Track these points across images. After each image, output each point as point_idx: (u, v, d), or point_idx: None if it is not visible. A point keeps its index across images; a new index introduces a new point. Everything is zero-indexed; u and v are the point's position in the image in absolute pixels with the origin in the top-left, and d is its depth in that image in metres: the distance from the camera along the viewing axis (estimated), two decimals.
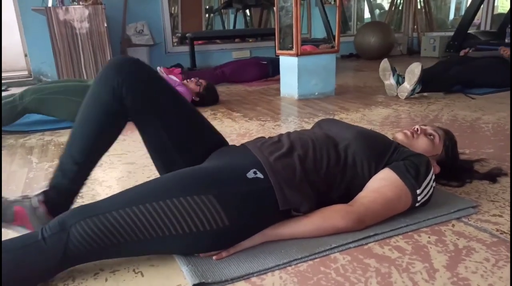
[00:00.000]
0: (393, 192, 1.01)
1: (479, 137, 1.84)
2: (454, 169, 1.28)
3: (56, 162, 1.72)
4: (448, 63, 3.23)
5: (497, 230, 1.02)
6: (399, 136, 1.23)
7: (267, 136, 1.16)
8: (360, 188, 1.05)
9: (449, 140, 1.26)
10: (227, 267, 0.88)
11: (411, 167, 1.03)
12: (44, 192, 1.00)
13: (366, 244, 0.97)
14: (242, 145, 1.11)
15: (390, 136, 1.23)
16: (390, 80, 2.96)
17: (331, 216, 0.98)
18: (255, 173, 0.94)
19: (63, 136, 2.17)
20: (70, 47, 3.42)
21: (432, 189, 1.06)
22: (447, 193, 1.23)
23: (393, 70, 2.98)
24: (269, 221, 0.96)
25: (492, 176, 1.33)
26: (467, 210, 1.12)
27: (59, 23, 3.37)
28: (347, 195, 1.04)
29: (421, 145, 1.20)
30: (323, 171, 1.02)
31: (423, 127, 1.27)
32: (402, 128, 1.28)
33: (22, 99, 2.23)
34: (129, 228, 0.82)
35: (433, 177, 1.06)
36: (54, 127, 2.34)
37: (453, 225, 1.05)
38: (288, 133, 1.13)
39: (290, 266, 0.90)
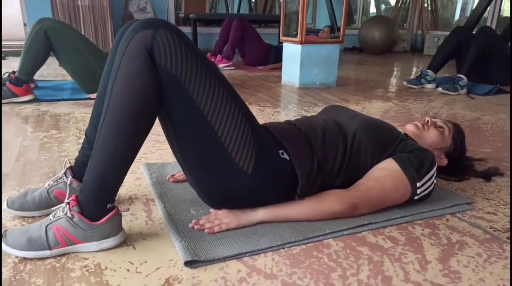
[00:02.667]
0: (392, 182, 1.01)
1: (477, 137, 1.84)
2: (460, 163, 1.28)
3: (51, 132, 1.71)
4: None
5: (491, 227, 1.02)
6: (410, 128, 1.23)
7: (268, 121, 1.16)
8: (360, 176, 1.05)
9: (458, 133, 1.26)
10: (220, 246, 0.87)
11: (415, 159, 1.03)
12: (70, 168, 1.03)
13: (360, 232, 0.97)
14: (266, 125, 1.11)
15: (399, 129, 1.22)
16: (428, 86, 3.04)
17: (327, 199, 0.98)
18: (282, 153, 0.96)
19: (60, 108, 2.15)
20: (71, 19, 3.36)
21: (433, 185, 1.06)
22: (443, 188, 1.23)
23: (418, 77, 3.05)
24: (277, 198, 0.98)
25: (488, 175, 1.33)
26: (462, 206, 1.12)
27: None
28: (347, 183, 1.04)
29: (431, 136, 1.21)
30: (331, 160, 1.02)
31: (433, 119, 1.27)
32: (413, 121, 1.28)
33: (41, 23, 2.16)
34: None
35: (435, 173, 1.06)
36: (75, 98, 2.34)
37: (447, 220, 1.05)
38: (300, 120, 1.12)
39: (283, 248, 0.89)
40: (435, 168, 1.06)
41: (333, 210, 0.98)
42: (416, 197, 1.04)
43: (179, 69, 0.81)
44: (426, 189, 1.04)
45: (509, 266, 0.86)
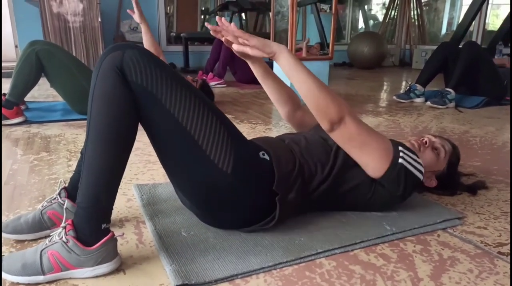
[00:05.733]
0: (379, 140, 1.04)
1: (466, 150, 1.86)
2: (448, 184, 1.28)
3: (41, 155, 1.70)
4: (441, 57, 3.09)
5: (482, 242, 1.02)
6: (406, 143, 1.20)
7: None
8: (344, 185, 1.06)
9: (455, 157, 1.25)
10: (211, 268, 0.87)
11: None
12: (64, 188, 1.05)
13: (352, 250, 0.97)
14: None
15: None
16: (417, 100, 3.10)
17: (335, 96, 1.00)
18: (263, 154, 1.00)
19: (50, 129, 2.14)
20: (62, 41, 3.38)
21: (416, 171, 1.05)
22: (433, 203, 1.24)
23: (407, 92, 3.11)
24: (260, 198, 0.98)
25: (474, 189, 1.34)
26: (452, 221, 1.12)
27: (52, 16, 3.33)
28: (330, 192, 1.06)
29: (425, 158, 1.17)
30: (313, 164, 1.05)
31: (432, 139, 1.23)
32: (410, 138, 1.23)
33: (32, 46, 2.17)
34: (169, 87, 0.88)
35: (416, 182, 1.07)
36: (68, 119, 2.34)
37: (438, 235, 1.06)
38: (285, 135, 1.18)
39: (275, 269, 0.89)
40: (416, 181, 1.06)
41: (329, 105, 0.98)
42: (400, 159, 1.02)
43: (150, 82, 0.87)
44: (409, 163, 1.03)
45: (500, 282, 0.86)
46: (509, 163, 1.69)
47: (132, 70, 0.86)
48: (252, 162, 0.97)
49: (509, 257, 0.96)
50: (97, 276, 0.85)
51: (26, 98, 2.48)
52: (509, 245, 1.01)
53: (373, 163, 1.03)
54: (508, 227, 1.11)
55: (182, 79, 0.91)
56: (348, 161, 1.06)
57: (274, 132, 2.14)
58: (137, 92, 0.86)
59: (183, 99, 0.89)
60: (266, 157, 0.99)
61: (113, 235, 0.87)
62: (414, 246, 1.00)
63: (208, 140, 0.91)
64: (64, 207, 0.92)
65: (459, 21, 4.91)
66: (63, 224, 0.85)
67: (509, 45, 4.39)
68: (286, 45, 2.93)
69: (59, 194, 1.02)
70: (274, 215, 0.98)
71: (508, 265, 0.92)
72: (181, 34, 4.78)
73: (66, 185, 1.05)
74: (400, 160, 1.03)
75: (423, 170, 1.07)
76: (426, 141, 1.21)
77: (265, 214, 0.99)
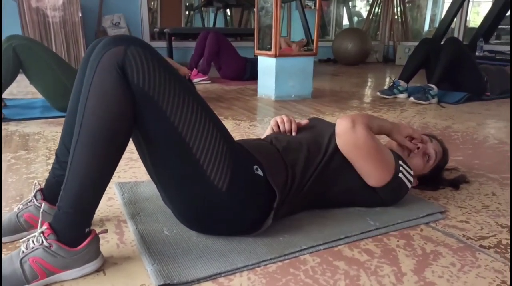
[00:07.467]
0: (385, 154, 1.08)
1: (448, 145, 1.87)
2: (431, 181, 1.29)
3: (19, 153, 1.65)
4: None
5: (464, 236, 1.03)
6: (395, 147, 1.19)
7: (244, 137, 1.16)
8: (337, 178, 1.07)
9: (444, 162, 1.27)
10: (194, 267, 0.85)
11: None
12: (40, 190, 1.00)
13: (336, 246, 0.97)
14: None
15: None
16: (401, 96, 3.12)
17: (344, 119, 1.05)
18: (256, 169, 0.95)
19: (29, 127, 2.08)
20: (41, 36, 3.30)
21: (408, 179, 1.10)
22: (416, 197, 1.25)
23: (391, 88, 3.12)
24: (252, 215, 0.95)
25: (457, 184, 1.35)
26: (435, 215, 1.13)
27: (31, 10, 3.24)
28: (321, 183, 1.05)
29: (413, 164, 1.16)
30: (301, 160, 1.04)
31: (427, 144, 1.20)
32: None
33: (9, 41, 2.09)
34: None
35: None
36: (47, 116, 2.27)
37: (421, 230, 1.06)
38: (275, 137, 1.14)
39: (259, 267, 0.88)
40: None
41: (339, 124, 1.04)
42: (400, 174, 1.07)
43: (152, 87, 0.80)
44: (405, 176, 1.09)
45: (482, 275, 0.87)
46: (490, 157, 1.72)
47: (134, 70, 0.78)
48: (247, 180, 0.92)
49: (491, 250, 0.97)
50: (76, 278, 0.82)
51: (4, 95, 2.40)
52: (490, 238, 1.03)
53: (375, 174, 1.06)
54: (489, 220, 1.12)
55: (184, 83, 0.85)
56: (339, 156, 1.06)
57: (259, 129, 2.12)
58: (137, 95, 0.79)
59: (185, 108, 0.83)
60: (260, 172, 0.95)
61: (96, 233, 0.85)
62: (398, 241, 1.00)
63: (206, 156, 0.86)
64: (41, 210, 0.89)
65: (441, 18, 4.98)
66: (40, 229, 0.81)
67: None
68: (270, 41, 2.92)
69: (35, 196, 0.99)
70: (266, 222, 0.96)
71: (490, 258, 0.93)
72: (165, 30, 4.72)
73: (42, 187, 1.01)
74: (400, 174, 1.07)
75: (412, 179, 1.12)
76: (419, 147, 1.18)
77: (257, 224, 0.97)
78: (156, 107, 0.81)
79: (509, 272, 0.88)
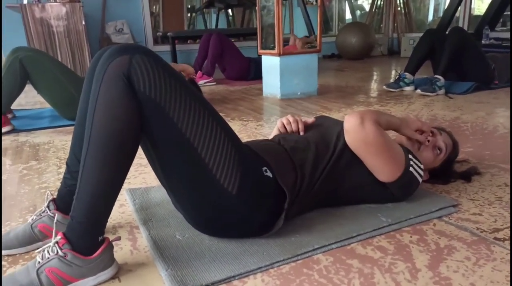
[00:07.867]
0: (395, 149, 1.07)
1: (458, 136, 1.85)
2: (442, 175, 1.28)
3: (30, 163, 1.67)
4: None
5: (477, 229, 1.02)
6: (405, 141, 1.18)
7: (251, 137, 1.16)
8: (346, 175, 1.07)
9: (454, 155, 1.26)
10: (207, 271, 0.86)
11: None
12: (53, 200, 1.01)
13: (349, 244, 0.97)
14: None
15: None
16: (407, 89, 3.10)
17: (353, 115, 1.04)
18: (265, 171, 0.95)
19: (39, 137, 2.11)
20: (46, 45, 3.33)
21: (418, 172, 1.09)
22: (428, 192, 1.24)
23: (397, 81, 3.09)
24: (262, 217, 0.95)
25: (468, 176, 1.34)
26: (448, 209, 1.12)
27: (35, 21, 3.28)
28: (331, 180, 1.05)
29: (423, 158, 1.16)
30: (320, 170, 1.03)
31: (437, 137, 1.20)
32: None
33: (15, 53, 2.12)
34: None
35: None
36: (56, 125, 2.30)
37: (434, 224, 1.05)
38: (282, 137, 1.14)
39: (272, 268, 0.88)
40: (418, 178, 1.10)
41: (348, 121, 1.04)
42: (410, 168, 1.06)
43: (158, 94, 0.80)
44: (415, 170, 1.08)
45: (498, 268, 0.86)
46: (501, 147, 1.70)
47: (140, 79, 0.79)
48: (257, 182, 0.92)
49: (506, 242, 0.96)
50: None
51: (13, 106, 2.44)
52: (504, 230, 1.01)
53: (386, 169, 1.05)
54: (503, 212, 1.11)
55: (190, 88, 0.85)
56: (348, 153, 1.06)
57: (266, 129, 2.12)
58: (143, 103, 0.80)
59: (192, 113, 0.83)
60: (269, 174, 0.95)
61: (109, 241, 0.86)
62: (411, 237, 1.00)
63: (215, 160, 0.86)
64: (55, 220, 0.90)
65: (445, 7, 4.92)
66: (54, 239, 0.82)
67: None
68: (273, 40, 2.91)
69: (48, 206, 1.00)
70: (277, 223, 0.96)
71: (505, 251, 0.92)
72: (168, 34, 4.74)
73: (54, 197, 1.03)
74: (410, 168, 1.06)
75: (423, 173, 1.10)
76: (429, 140, 1.18)
77: (268, 225, 0.97)
78: (163, 113, 0.82)
79: None
